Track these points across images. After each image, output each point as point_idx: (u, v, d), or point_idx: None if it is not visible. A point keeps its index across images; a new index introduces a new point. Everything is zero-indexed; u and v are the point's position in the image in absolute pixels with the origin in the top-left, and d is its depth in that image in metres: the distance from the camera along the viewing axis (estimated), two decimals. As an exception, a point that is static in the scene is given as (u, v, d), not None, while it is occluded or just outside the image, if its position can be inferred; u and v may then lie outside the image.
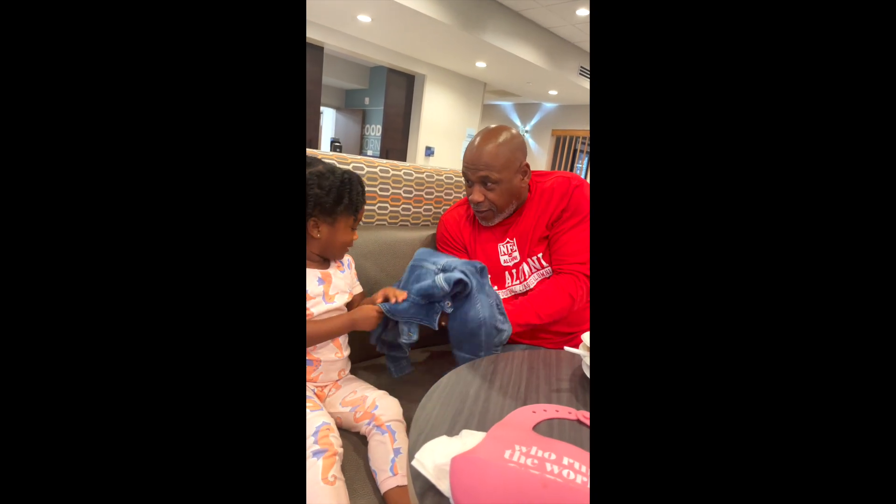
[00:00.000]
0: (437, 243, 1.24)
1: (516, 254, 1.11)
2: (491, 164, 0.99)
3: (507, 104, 8.63)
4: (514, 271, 1.11)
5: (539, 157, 8.16)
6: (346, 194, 0.86)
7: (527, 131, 8.38)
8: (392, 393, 1.00)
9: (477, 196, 1.03)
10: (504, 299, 1.06)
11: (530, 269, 1.10)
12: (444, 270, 0.88)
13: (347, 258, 1.00)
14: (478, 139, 1.02)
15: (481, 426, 0.54)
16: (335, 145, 7.05)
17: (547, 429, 0.55)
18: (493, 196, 1.02)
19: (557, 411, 0.58)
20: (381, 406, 0.83)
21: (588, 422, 0.56)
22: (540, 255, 1.09)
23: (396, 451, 0.73)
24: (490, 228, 1.13)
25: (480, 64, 5.45)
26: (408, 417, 0.89)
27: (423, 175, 1.34)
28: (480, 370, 0.69)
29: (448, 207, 1.41)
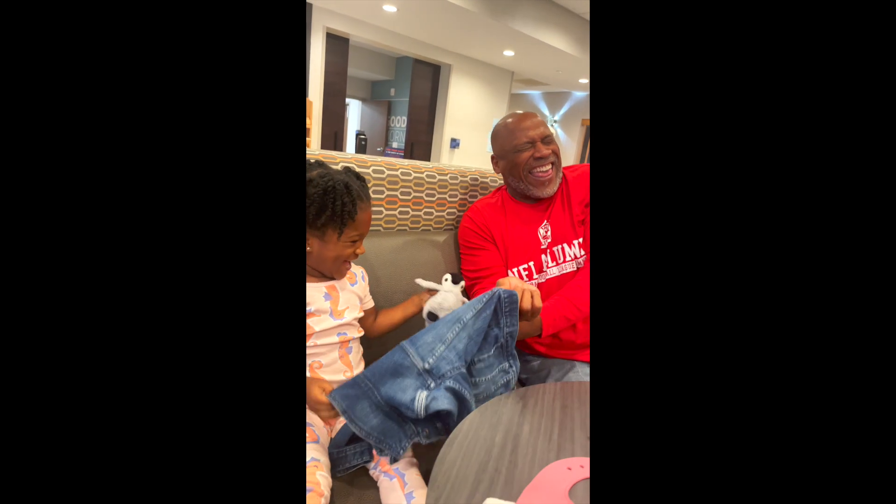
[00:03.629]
0: (460, 238, 1.17)
1: (549, 234, 1.09)
2: (545, 124, 1.06)
3: (535, 93, 8.40)
4: (548, 252, 1.07)
5: (568, 148, 7.92)
6: (330, 205, 0.74)
7: (556, 121, 8.14)
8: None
9: (545, 150, 1.03)
10: (543, 294, 1.02)
11: (564, 256, 1.07)
12: (432, 374, 0.64)
13: (360, 270, 0.94)
14: (518, 115, 1.07)
15: (509, 487, 0.47)
16: (360, 138, 7.04)
17: (585, 492, 0.47)
18: (555, 147, 1.05)
19: (597, 468, 0.51)
20: None
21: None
22: (580, 240, 1.06)
23: (409, 497, 0.66)
24: (528, 212, 1.10)
25: (508, 52, 5.28)
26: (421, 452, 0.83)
27: (447, 177, 1.27)
28: (507, 408, 0.62)
29: (473, 210, 1.34)
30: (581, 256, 1.07)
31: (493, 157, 1.15)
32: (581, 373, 1.00)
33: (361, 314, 0.88)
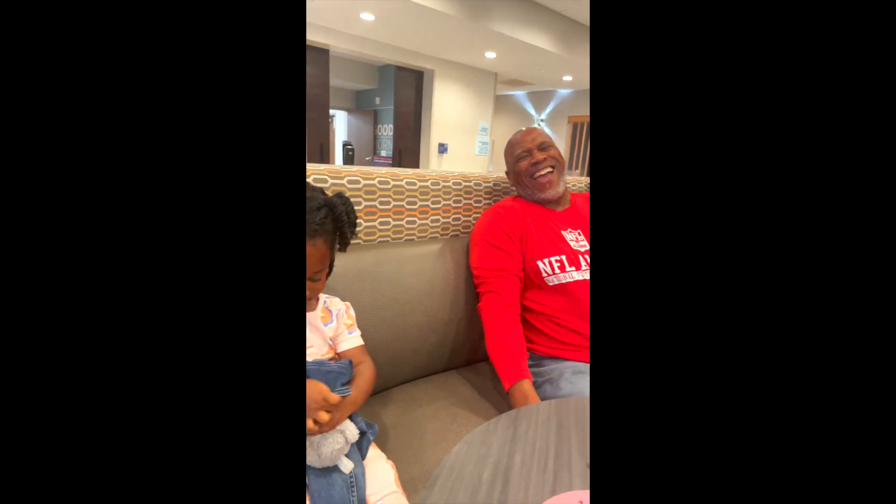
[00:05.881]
0: (484, 232, 1.12)
1: (584, 242, 1.09)
2: (544, 134, 1.15)
3: (520, 93, 8.40)
4: (588, 258, 1.06)
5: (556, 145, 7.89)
6: None
7: (542, 120, 8.13)
8: (395, 436, 0.88)
9: (539, 155, 1.11)
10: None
11: None
12: None
13: (340, 305, 0.80)
14: (520, 131, 1.18)
15: (498, 535, 0.41)
16: (347, 148, 6.99)
17: (586, 535, 0.41)
18: (552, 153, 1.12)
19: None
20: (368, 478, 0.66)
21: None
22: None
23: None
24: (549, 212, 1.13)
25: (490, 54, 5.26)
26: (409, 477, 0.77)
27: (428, 183, 1.21)
28: (497, 437, 0.56)
29: (457, 217, 1.28)
30: None
31: (507, 172, 1.24)
32: None
33: (330, 355, 0.76)
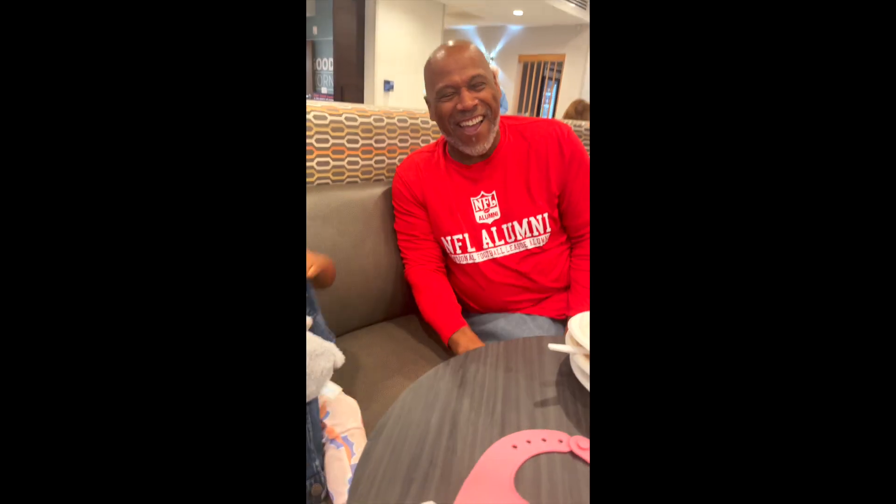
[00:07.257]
0: (393, 193, 1.05)
1: (496, 210, 0.94)
2: (477, 60, 0.85)
3: (469, 28, 7.98)
4: (493, 230, 0.95)
5: (506, 86, 7.71)
6: None
7: (492, 59, 7.85)
8: (345, 383, 0.86)
9: (469, 101, 0.84)
10: (498, 273, 0.97)
11: (515, 235, 0.95)
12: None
13: None
14: (447, 48, 0.86)
15: (446, 483, 0.40)
16: (284, 83, 6.41)
17: (533, 474, 0.42)
18: (485, 95, 0.86)
19: (545, 440, 0.45)
20: (335, 412, 0.68)
21: (584, 454, 0.44)
22: (545, 215, 0.94)
23: (354, 468, 0.60)
24: (461, 175, 0.96)
25: (437, -19, 4.88)
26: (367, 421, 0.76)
27: (370, 119, 1.12)
28: (445, 381, 0.55)
29: (404, 158, 1.21)
30: (540, 234, 0.94)
31: (426, 100, 0.94)
32: (533, 326, 0.96)
33: None
